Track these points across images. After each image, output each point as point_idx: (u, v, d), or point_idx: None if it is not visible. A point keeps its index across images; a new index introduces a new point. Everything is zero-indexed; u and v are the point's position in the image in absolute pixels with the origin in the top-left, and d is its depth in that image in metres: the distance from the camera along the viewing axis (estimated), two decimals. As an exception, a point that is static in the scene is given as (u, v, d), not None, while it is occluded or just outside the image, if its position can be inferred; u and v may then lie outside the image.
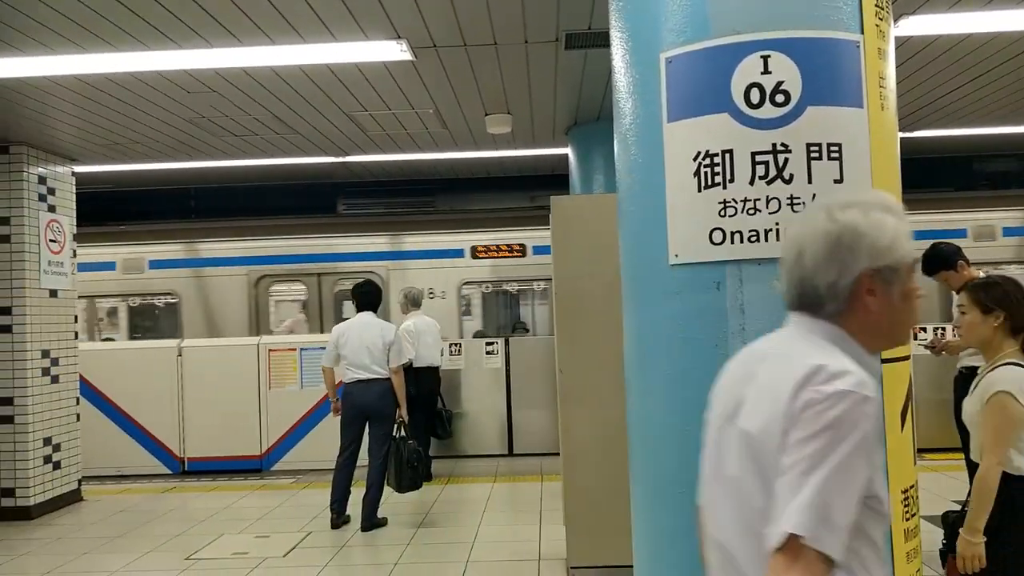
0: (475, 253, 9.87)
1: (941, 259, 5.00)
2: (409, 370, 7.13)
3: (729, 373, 1.54)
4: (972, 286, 3.01)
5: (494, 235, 9.94)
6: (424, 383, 7.61)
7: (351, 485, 6.29)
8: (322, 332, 9.29)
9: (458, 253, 9.91)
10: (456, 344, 9.18)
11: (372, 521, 6.14)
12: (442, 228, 10.16)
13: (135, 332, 10.93)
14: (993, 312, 2.89)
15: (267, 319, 10.17)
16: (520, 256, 9.90)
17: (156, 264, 10.03)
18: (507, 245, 9.93)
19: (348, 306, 9.59)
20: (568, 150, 8.40)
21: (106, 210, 10.62)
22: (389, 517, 6.36)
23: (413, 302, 7.74)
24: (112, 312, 11.05)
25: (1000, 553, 2.74)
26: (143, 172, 8.98)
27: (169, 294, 10.09)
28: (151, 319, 10.92)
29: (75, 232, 7.79)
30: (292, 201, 10.92)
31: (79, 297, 8.04)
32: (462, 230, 10.01)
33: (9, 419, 7.00)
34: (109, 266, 9.99)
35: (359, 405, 6.16)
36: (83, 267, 8.50)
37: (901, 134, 2.35)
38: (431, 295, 9.48)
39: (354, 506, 6.25)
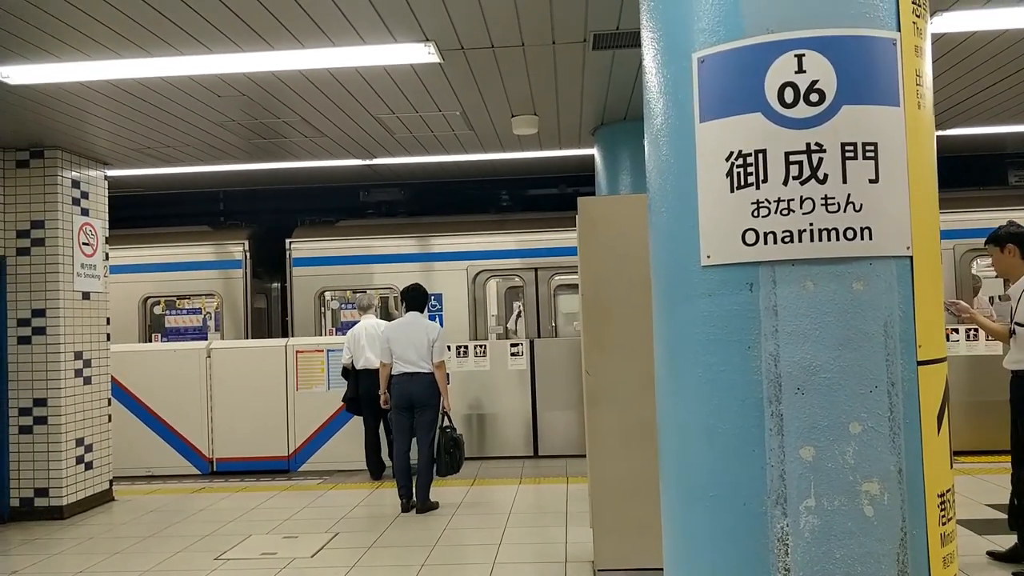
0: None
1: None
2: (351, 372, 7.95)
3: None
4: None
5: None
6: (364, 385, 7.88)
7: (411, 471, 6.78)
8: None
9: None
10: (481, 345, 9.19)
11: (425, 504, 6.74)
12: None
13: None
14: None
15: None
16: None
17: None
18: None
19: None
20: (594, 151, 8.38)
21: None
22: (416, 519, 6.51)
23: (361, 308, 8.37)
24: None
25: None
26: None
27: None
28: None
29: (107, 235, 7.91)
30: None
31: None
32: None
33: (43, 420, 7.12)
34: None
35: (405, 395, 6.68)
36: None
37: (936, 132, 2.32)
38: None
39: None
